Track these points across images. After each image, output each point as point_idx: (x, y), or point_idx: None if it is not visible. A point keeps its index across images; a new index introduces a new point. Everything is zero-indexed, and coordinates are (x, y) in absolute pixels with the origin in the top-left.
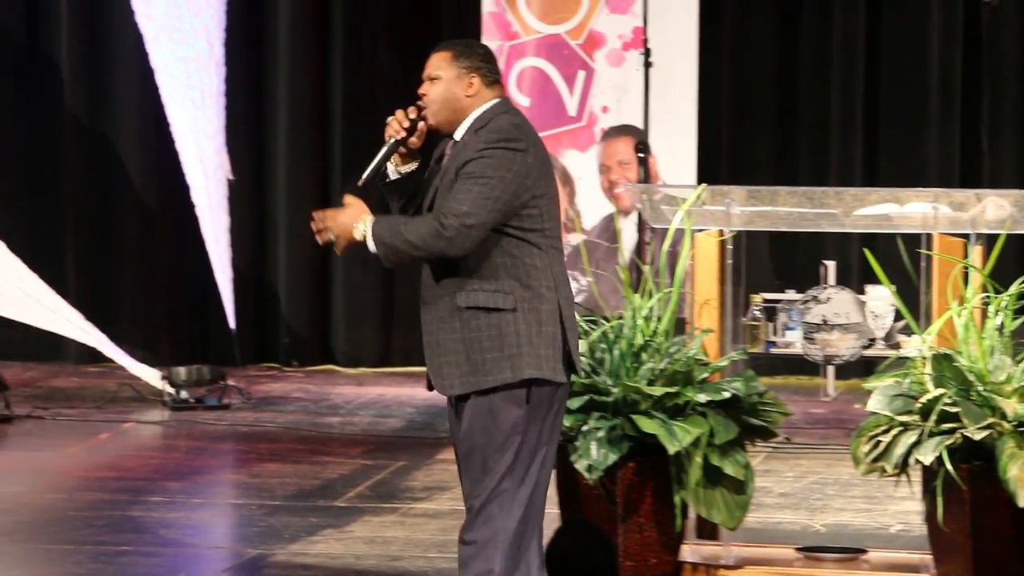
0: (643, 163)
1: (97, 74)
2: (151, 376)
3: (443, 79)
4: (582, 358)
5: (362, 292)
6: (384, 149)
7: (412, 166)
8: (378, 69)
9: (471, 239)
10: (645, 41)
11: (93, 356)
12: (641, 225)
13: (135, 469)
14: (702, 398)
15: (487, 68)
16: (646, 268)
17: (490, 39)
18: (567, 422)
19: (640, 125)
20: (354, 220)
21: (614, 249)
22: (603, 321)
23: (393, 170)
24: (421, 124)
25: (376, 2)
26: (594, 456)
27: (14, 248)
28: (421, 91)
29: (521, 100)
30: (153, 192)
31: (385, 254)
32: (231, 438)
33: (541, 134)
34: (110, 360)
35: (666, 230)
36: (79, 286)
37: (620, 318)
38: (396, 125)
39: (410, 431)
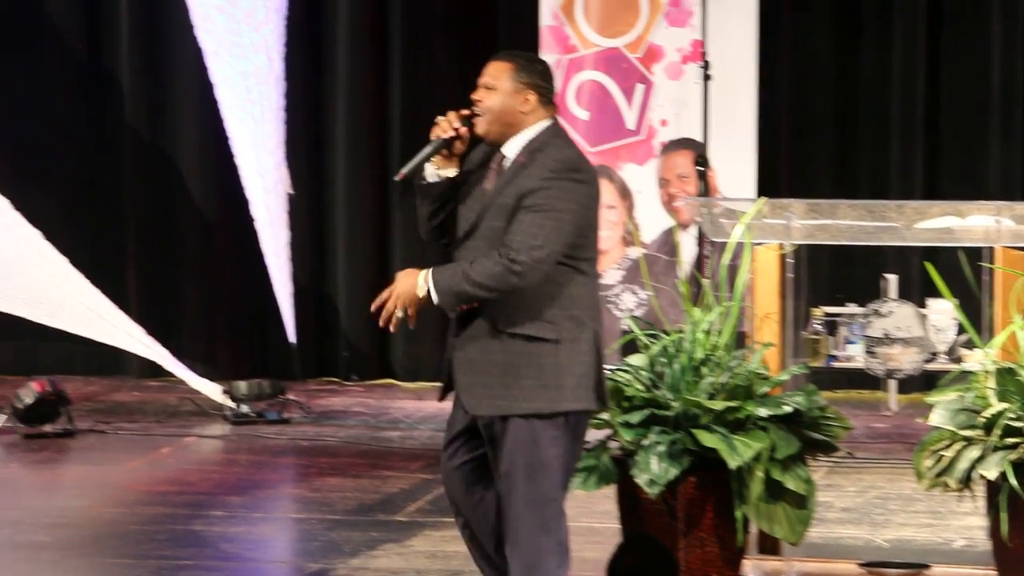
0: (702, 176)
1: (157, 89)
2: (212, 390)
3: (500, 90)
4: (642, 372)
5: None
6: (429, 148)
7: (451, 171)
8: (436, 83)
9: (542, 273)
10: (704, 54)
11: (154, 370)
12: (700, 239)
13: (196, 483)
14: (763, 412)
15: (545, 87)
16: (706, 282)
17: (548, 52)
18: (627, 436)
19: (699, 138)
20: (413, 282)
21: (673, 263)
22: (663, 335)
23: (432, 172)
24: (464, 129)
25: (434, 17)
26: (655, 470)
27: (76, 263)
28: (475, 97)
29: (579, 114)
30: (213, 206)
31: (451, 303)
32: (291, 452)
33: (599, 148)
34: (171, 374)
35: (726, 243)
36: (140, 300)
37: (680, 332)
38: (445, 125)
39: None
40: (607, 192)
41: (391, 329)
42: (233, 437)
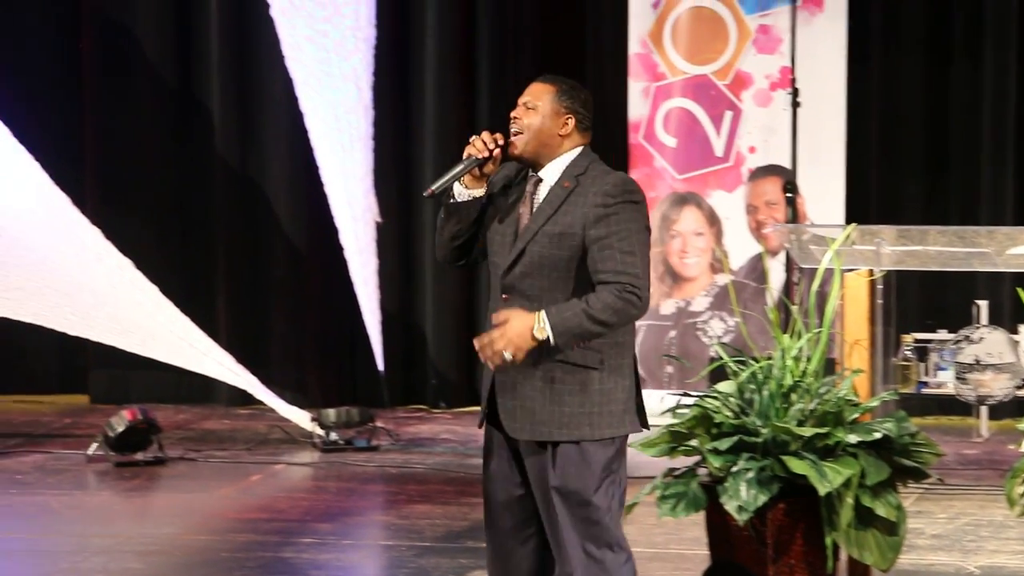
0: (791, 203)
1: (247, 118)
2: (301, 418)
3: (540, 111)
4: (731, 399)
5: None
6: (461, 165)
7: (480, 191)
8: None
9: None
10: (793, 81)
11: (244, 398)
12: (789, 265)
13: (286, 511)
14: (853, 439)
15: (584, 114)
16: (794, 308)
17: (637, 80)
18: (716, 463)
19: (788, 165)
20: (528, 325)
21: (762, 289)
22: (752, 361)
23: (461, 191)
24: (498, 151)
25: (523, 44)
26: (744, 497)
27: (166, 291)
28: (514, 115)
29: (667, 141)
30: (302, 235)
31: (570, 343)
32: (380, 479)
33: (687, 175)
34: (261, 402)
35: (815, 270)
36: (230, 329)
37: (769, 358)
38: (480, 145)
39: None
40: (696, 219)
41: (491, 366)
42: (322, 464)
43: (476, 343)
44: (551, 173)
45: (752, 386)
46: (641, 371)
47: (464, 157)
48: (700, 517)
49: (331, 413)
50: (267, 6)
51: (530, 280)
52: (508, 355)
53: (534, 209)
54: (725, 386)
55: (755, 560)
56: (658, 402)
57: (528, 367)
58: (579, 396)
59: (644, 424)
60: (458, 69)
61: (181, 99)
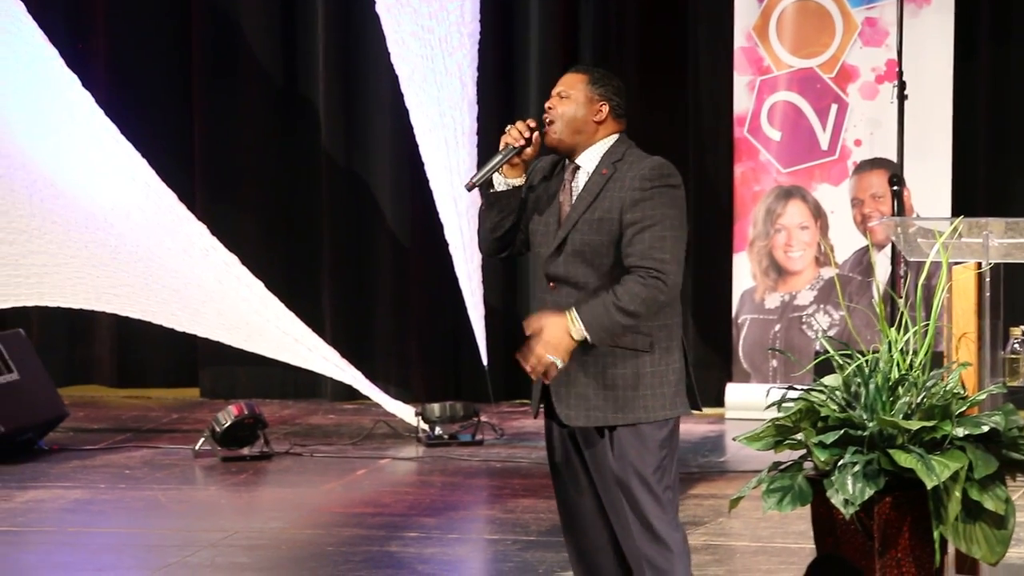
0: (897, 196)
1: (353, 115)
2: (406, 413)
3: (574, 100)
4: (837, 392)
5: None
6: (499, 156)
7: (519, 180)
8: (628, 105)
9: (680, 281)
10: (900, 74)
11: (349, 393)
12: (895, 258)
13: (391, 505)
14: (960, 432)
15: (618, 101)
16: (901, 301)
17: (742, 74)
18: (822, 456)
19: (894, 158)
20: (563, 329)
21: (868, 282)
22: (858, 355)
23: (501, 181)
24: (537, 136)
25: (626, 40)
26: (850, 491)
27: (272, 287)
28: (548, 105)
29: (772, 135)
30: (407, 231)
31: (606, 339)
32: (485, 474)
33: (792, 168)
34: (366, 397)
35: (922, 263)
36: (335, 324)
37: (875, 352)
38: (516, 133)
39: None
40: (801, 212)
41: (545, 380)
42: (427, 459)
43: (521, 361)
44: (588, 161)
45: (858, 380)
46: (745, 365)
47: (501, 147)
48: (806, 511)
49: (436, 408)
50: (372, 3)
51: (574, 267)
52: (558, 362)
53: (574, 197)
54: (831, 380)
55: (861, 554)
56: (763, 396)
57: (579, 354)
58: (631, 380)
59: (695, 405)
60: (561, 63)
61: (287, 96)
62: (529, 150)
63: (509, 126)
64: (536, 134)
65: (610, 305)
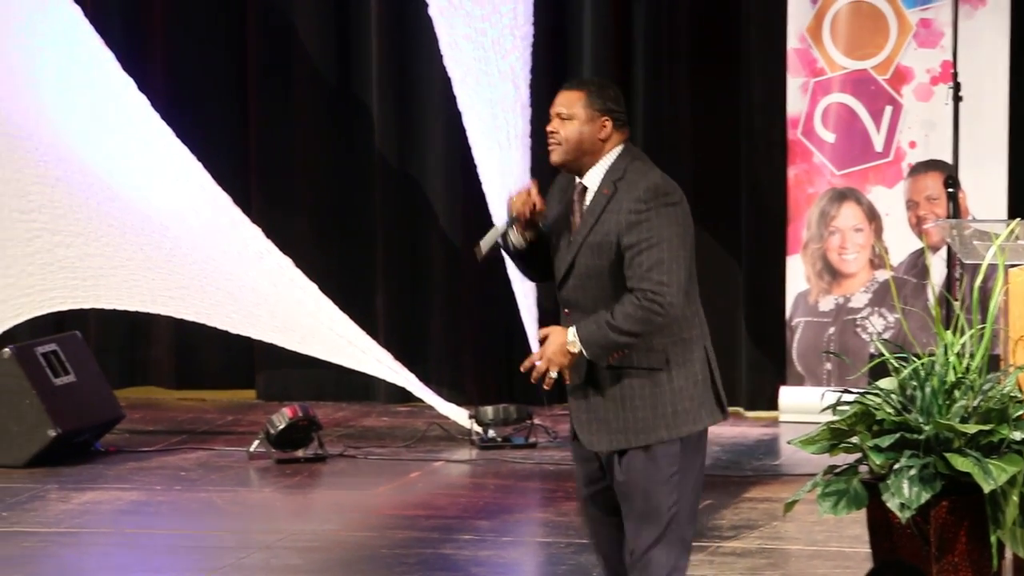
0: (952, 198)
1: (406, 117)
2: (459, 415)
3: (576, 119)
4: (892, 396)
5: None
6: (500, 226)
7: (533, 233)
8: (680, 109)
9: (679, 306)
10: (955, 75)
11: (403, 396)
12: (951, 261)
13: (445, 507)
14: (1017, 436)
15: (618, 111)
16: (956, 304)
17: (795, 75)
18: (878, 460)
19: (949, 160)
20: (562, 340)
21: (923, 285)
22: (913, 358)
23: (518, 240)
24: (538, 201)
25: (678, 42)
26: (906, 494)
27: (325, 290)
28: (550, 128)
29: (826, 137)
30: (460, 233)
31: (601, 355)
32: (538, 476)
33: (846, 170)
34: (419, 400)
35: (977, 265)
36: (388, 326)
37: (931, 355)
38: (520, 207)
39: (716, 469)
40: (855, 215)
41: (544, 387)
42: (480, 462)
43: (522, 368)
44: (593, 179)
45: (914, 383)
46: (799, 367)
47: (508, 211)
48: (861, 515)
49: (489, 410)
50: (425, 5)
51: (582, 291)
52: (553, 373)
53: (581, 219)
54: (886, 383)
55: (918, 558)
56: (818, 399)
57: (598, 379)
58: (650, 399)
59: (722, 412)
60: (614, 67)
61: (341, 99)
62: (534, 215)
63: (513, 195)
64: (538, 200)
65: (604, 324)
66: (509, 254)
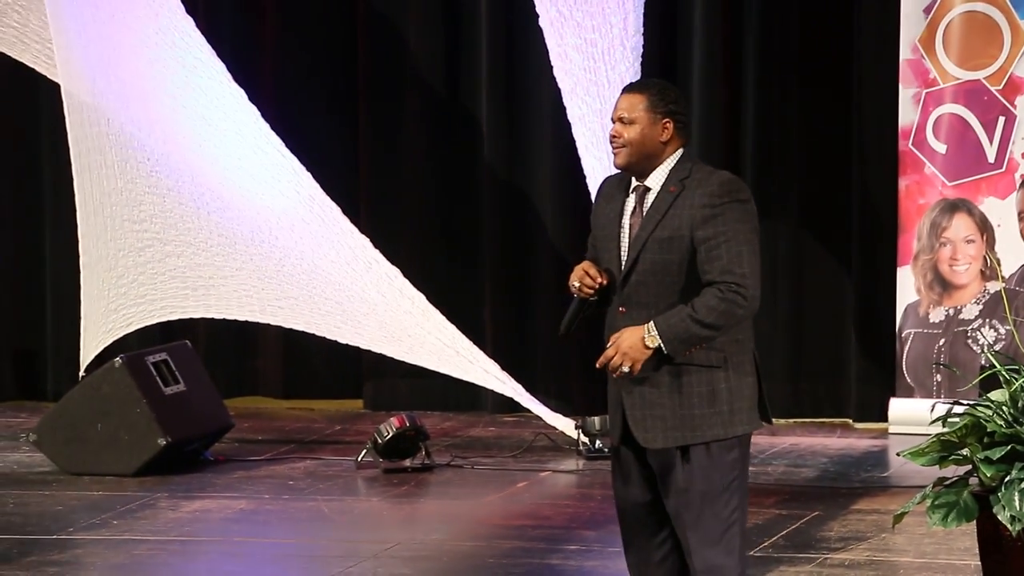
0: None
1: (515, 128)
2: (566, 426)
3: (638, 123)
4: (1004, 408)
5: (770, 344)
6: (575, 307)
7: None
8: (790, 119)
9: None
10: None
11: (510, 406)
12: None
13: (551, 517)
14: None
15: (680, 113)
16: None
17: (907, 86)
18: (988, 472)
19: None
20: (638, 336)
21: None
22: None
23: (594, 303)
24: (601, 280)
25: (789, 53)
26: (1017, 507)
27: (433, 300)
28: (613, 132)
29: (937, 147)
30: (568, 243)
31: (681, 349)
32: None
33: (959, 181)
34: (526, 410)
35: None
36: (496, 336)
37: None
38: (586, 291)
39: (824, 481)
40: (967, 225)
41: (615, 376)
42: (587, 472)
43: (598, 365)
44: (656, 180)
45: None
46: (909, 379)
47: (574, 293)
48: (971, 527)
49: (596, 421)
50: (535, 16)
51: (645, 288)
52: (626, 369)
53: (644, 217)
54: (997, 395)
55: None
56: (927, 411)
57: (654, 374)
58: (708, 397)
59: (767, 418)
60: (723, 80)
61: (450, 110)
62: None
63: (576, 280)
64: (595, 274)
65: (686, 317)
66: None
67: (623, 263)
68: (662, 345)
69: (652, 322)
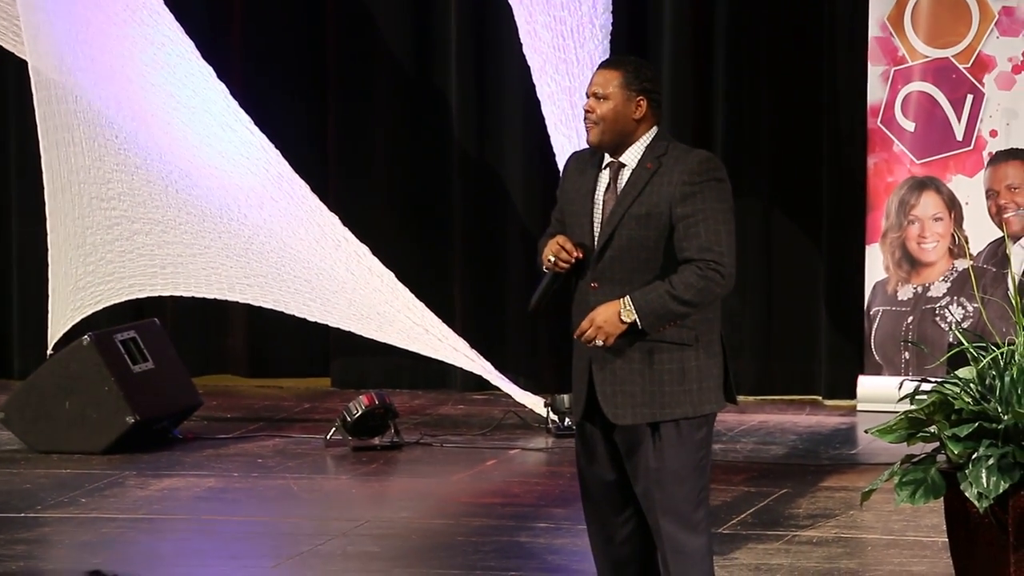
0: None
1: (484, 106)
2: (535, 404)
3: (612, 99)
4: (971, 385)
5: (740, 321)
6: (547, 282)
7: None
8: (760, 96)
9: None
10: None
11: (479, 384)
12: None
13: (521, 495)
14: None
15: (654, 91)
16: None
17: (876, 64)
18: (955, 449)
19: None
20: (614, 310)
21: (1003, 274)
22: (992, 347)
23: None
24: (576, 254)
25: (759, 30)
26: (984, 484)
27: (402, 278)
28: (586, 107)
29: (906, 125)
30: (537, 222)
31: (656, 325)
32: None
33: (926, 159)
34: (495, 388)
35: None
36: (465, 315)
37: (1011, 344)
38: (562, 265)
39: (793, 458)
40: (935, 203)
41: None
42: (556, 450)
43: (575, 336)
44: (631, 157)
45: (993, 372)
46: (878, 357)
47: (544, 265)
48: (938, 504)
49: (565, 399)
50: None
51: (619, 264)
52: (600, 342)
53: (619, 194)
54: (965, 372)
55: (995, 548)
56: (896, 388)
57: (625, 350)
58: (678, 375)
59: (732, 398)
60: (693, 55)
61: (419, 88)
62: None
63: (550, 254)
64: (571, 248)
65: (664, 293)
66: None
67: (596, 239)
68: (638, 320)
69: (629, 297)
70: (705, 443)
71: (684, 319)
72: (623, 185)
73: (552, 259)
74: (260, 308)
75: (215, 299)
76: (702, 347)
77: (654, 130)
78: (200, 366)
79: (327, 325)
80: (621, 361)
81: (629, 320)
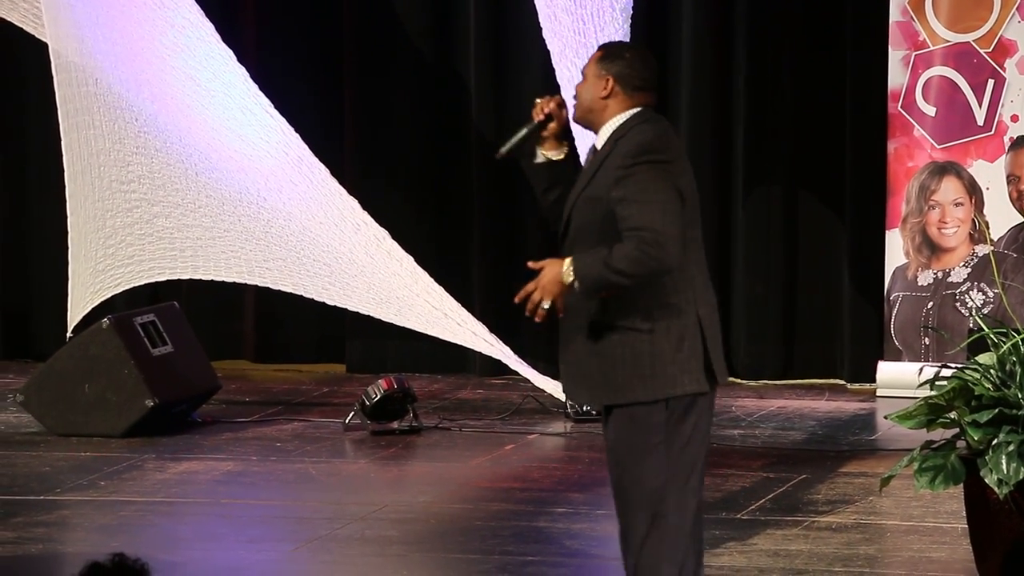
0: None
1: (503, 90)
2: (554, 388)
3: (587, 78)
4: (991, 371)
5: (764, 305)
6: (523, 130)
7: (559, 154)
8: (781, 81)
9: (677, 255)
10: None
11: (498, 368)
12: None
13: (539, 480)
14: None
15: (629, 73)
16: None
17: (897, 48)
18: (975, 435)
19: None
20: (558, 271)
21: (1023, 260)
22: (1013, 333)
23: (540, 154)
24: (561, 112)
25: (780, 15)
26: (1004, 470)
27: (421, 262)
28: (576, 86)
29: (927, 110)
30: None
31: (592, 290)
32: None
33: (947, 144)
34: (514, 373)
35: None
36: (484, 299)
37: None
38: (537, 110)
39: (812, 443)
40: (955, 189)
41: (536, 319)
42: (574, 435)
43: (517, 300)
44: (600, 138)
45: (1013, 358)
46: (897, 342)
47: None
48: (958, 491)
49: None
50: None
51: (577, 246)
52: (546, 304)
53: (580, 176)
54: (985, 358)
55: (1015, 534)
56: (916, 374)
57: (578, 332)
58: (630, 359)
59: (711, 381)
60: (715, 39)
61: (439, 72)
62: (553, 125)
63: (547, 99)
64: (561, 110)
65: (601, 260)
66: (528, 170)
67: (562, 221)
68: (576, 282)
69: (571, 258)
70: (660, 429)
71: (621, 290)
72: (585, 167)
73: (539, 102)
74: (272, 293)
75: (231, 283)
76: (658, 333)
77: (631, 112)
78: (214, 350)
79: (343, 309)
80: (579, 343)
81: (568, 280)
